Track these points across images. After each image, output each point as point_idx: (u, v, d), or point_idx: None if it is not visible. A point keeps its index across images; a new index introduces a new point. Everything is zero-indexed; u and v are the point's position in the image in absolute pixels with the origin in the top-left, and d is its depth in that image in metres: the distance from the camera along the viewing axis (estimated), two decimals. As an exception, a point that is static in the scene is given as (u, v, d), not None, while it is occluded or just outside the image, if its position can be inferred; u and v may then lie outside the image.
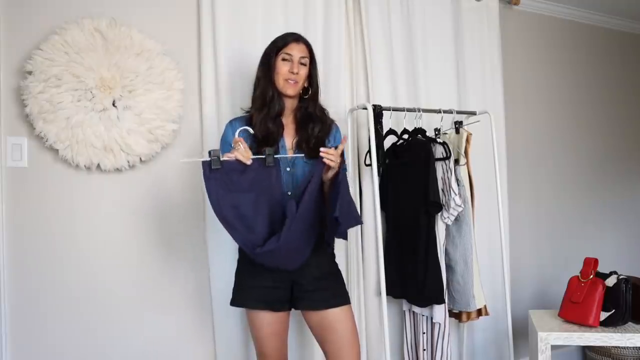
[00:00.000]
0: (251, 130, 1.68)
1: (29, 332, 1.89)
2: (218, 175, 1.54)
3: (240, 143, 1.59)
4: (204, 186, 1.56)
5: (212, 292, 2.12)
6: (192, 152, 2.14)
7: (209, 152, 1.55)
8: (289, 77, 1.73)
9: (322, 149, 1.62)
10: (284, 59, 1.74)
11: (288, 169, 1.73)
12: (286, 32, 1.82)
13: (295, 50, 1.75)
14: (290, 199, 1.65)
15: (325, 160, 1.61)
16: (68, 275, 1.94)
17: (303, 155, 1.73)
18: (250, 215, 1.58)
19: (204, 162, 1.54)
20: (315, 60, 1.81)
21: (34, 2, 1.90)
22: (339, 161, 1.64)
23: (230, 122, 1.82)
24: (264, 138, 1.70)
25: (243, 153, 1.57)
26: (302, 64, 1.76)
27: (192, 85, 2.14)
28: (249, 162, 1.57)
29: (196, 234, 2.14)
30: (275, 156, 1.63)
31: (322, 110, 1.84)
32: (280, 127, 1.76)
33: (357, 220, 1.71)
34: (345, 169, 1.69)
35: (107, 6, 1.99)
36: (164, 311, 2.09)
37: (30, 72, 1.83)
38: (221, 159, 1.54)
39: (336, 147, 1.65)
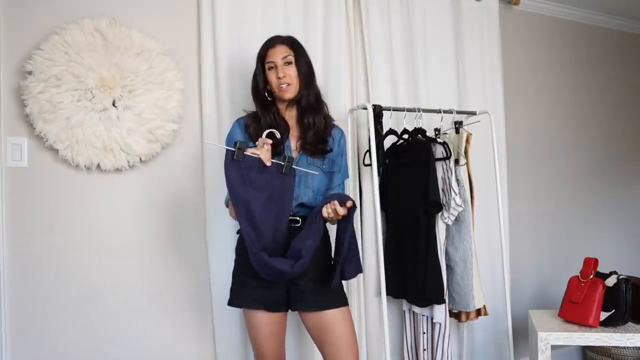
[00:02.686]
0: (278, 135, 1.68)
1: (29, 332, 1.89)
2: (237, 167, 1.55)
3: (266, 145, 1.60)
4: (223, 173, 1.56)
5: (212, 292, 2.12)
6: (193, 152, 2.14)
7: (235, 143, 1.56)
8: (279, 84, 1.74)
9: (328, 206, 1.62)
10: (269, 68, 1.75)
11: (297, 170, 1.72)
12: (265, 39, 1.81)
13: (275, 55, 1.74)
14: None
15: (323, 212, 1.62)
16: (68, 275, 1.94)
17: (318, 174, 1.74)
18: (257, 215, 1.58)
19: (227, 150, 1.56)
20: (300, 52, 1.78)
21: (34, 2, 1.90)
22: (340, 214, 1.63)
23: (238, 120, 1.83)
24: (278, 138, 1.70)
25: (265, 153, 1.58)
26: (287, 63, 1.75)
27: (192, 85, 2.14)
28: (268, 164, 1.58)
29: (196, 234, 2.14)
30: (293, 166, 1.64)
31: (319, 100, 1.82)
32: (286, 132, 1.76)
33: (357, 270, 1.73)
34: (352, 217, 1.68)
35: (107, 6, 1.99)
36: (164, 311, 2.09)
37: (30, 72, 1.83)
38: (245, 152, 1.55)
39: (344, 204, 1.62)
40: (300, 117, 1.80)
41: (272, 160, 1.60)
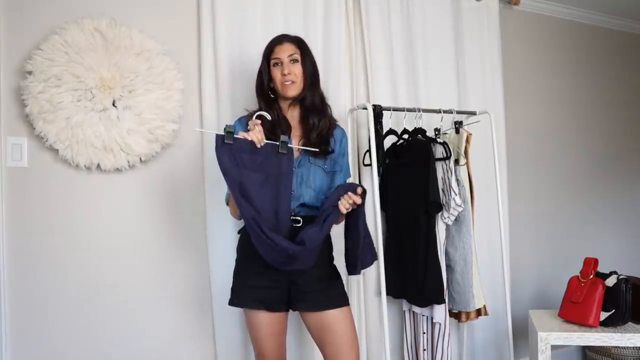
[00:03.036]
0: (268, 117, 1.69)
1: (29, 332, 1.89)
2: (228, 149, 1.56)
3: (257, 126, 1.60)
4: (217, 162, 1.57)
5: (212, 292, 2.12)
6: (193, 152, 2.14)
7: (225, 127, 1.57)
8: (283, 80, 1.74)
9: (344, 201, 1.63)
10: (275, 64, 1.76)
11: (294, 168, 1.72)
12: (273, 37, 1.81)
13: (282, 52, 1.75)
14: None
15: (341, 208, 1.63)
16: (68, 275, 1.94)
17: (317, 150, 1.73)
18: (254, 196, 1.57)
19: (217, 135, 1.56)
20: (306, 52, 1.79)
21: (34, 2, 1.90)
22: (358, 203, 1.66)
23: (239, 119, 1.83)
24: (269, 119, 1.71)
25: (257, 135, 1.58)
26: (293, 61, 1.75)
27: (192, 85, 2.14)
28: (259, 145, 1.58)
29: (196, 234, 2.14)
30: (289, 145, 1.63)
31: (323, 101, 1.83)
32: (288, 130, 1.76)
33: (373, 258, 1.78)
34: (364, 204, 1.71)
35: (107, 6, 1.99)
36: (164, 311, 2.09)
37: (30, 72, 1.83)
38: (236, 136, 1.56)
39: (355, 192, 1.64)
40: (305, 118, 1.80)
41: (266, 141, 1.59)
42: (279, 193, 1.61)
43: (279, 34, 1.83)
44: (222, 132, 1.56)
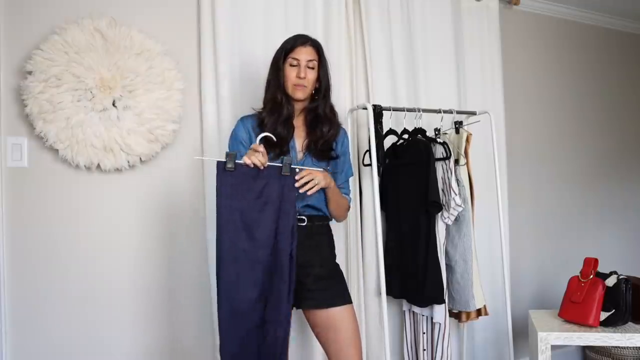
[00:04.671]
0: (274, 138, 1.68)
1: (29, 332, 1.89)
2: (229, 176, 1.55)
3: (258, 149, 1.59)
4: (215, 184, 1.56)
5: (212, 292, 2.11)
6: (192, 152, 2.14)
7: (226, 153, 1.56)
8: (296, 82, 1.74)
9: (297, 178, 1.64)
10: (291, 65, 1.74)
11: (297, 169, 1.72)
12: (296, 34, 1.80)
13: (303, 54, 1.74)
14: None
15: (297, 185, 1.63)
16: (68, 275, 1.94)
17: (323, 169, 1.74)
18: (254, 223, 1.57)
19: (218, 162, 1.56)
20: (324, 61, 1.79)
21: (34, 2, 1.90)
22: (320, 179, 1.66)
23: (242, 118, 1.82)
24: (274, 141, 1.70)
25: (260, 158, 1.58)
26: (309, 67, 1.75)
27: (192, 85, 2.14)
28: (261, 168, 1.57)
29: (196, 233, 2.15)
30: (292, 166, 1.63)
31: (332, 110, 1.83)
32: (291, 130, 1.77)
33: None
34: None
35: (107, 6, 1.99)
36: (163, 311, 2.09)
37: (30, 72, 1.83)
38: (236, 161, 1.55)
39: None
40: (314, 126, 1.80)
41: (269, 164, 1.59)
42: (280, 214, 1.60)
43: (298, 33, 1.81)
44: (222, 159, 1.55)
